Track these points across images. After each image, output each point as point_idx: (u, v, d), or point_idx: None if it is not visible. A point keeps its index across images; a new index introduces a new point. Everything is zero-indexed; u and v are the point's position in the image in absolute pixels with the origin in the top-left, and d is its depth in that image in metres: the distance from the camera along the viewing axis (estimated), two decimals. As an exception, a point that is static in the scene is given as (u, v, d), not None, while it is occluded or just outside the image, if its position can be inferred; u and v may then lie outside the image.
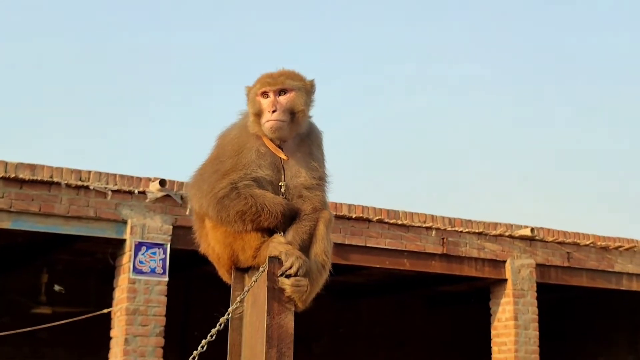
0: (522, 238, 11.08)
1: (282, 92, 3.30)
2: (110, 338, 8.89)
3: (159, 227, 8.84)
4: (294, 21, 26.04)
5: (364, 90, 26.61)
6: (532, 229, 11.01)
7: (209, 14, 25.47)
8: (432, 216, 10.56)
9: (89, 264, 11.32)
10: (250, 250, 3.21)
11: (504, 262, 10.97)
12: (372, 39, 26.18)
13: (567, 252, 11.44)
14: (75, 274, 11.88)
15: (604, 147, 26.75)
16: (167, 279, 8.79)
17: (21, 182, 8.30)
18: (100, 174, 8.67)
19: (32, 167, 8.37)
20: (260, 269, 3.12)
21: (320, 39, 26.23)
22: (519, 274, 10.98)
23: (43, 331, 10.53)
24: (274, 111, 3.25)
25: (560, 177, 26.94)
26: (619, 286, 11.90)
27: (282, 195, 3.27)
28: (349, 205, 10.00)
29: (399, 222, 10.28)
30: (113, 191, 8.66)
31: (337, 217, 9.51)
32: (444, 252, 10.55)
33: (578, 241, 11.44)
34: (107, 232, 8.73)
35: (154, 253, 8.79)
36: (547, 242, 11.26)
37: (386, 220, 10.20)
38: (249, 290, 3.15)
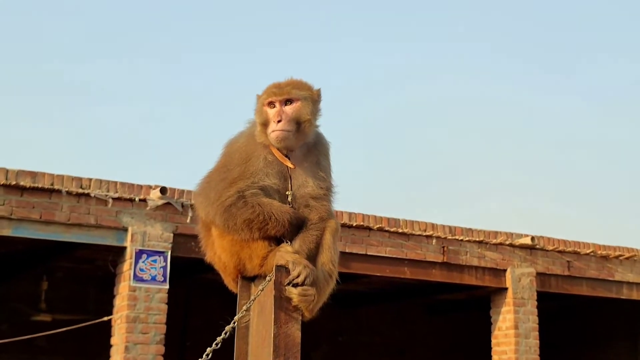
0: (523, 247, 11.08)
1: (288, 101, 3.31)
2: (110, 346, 8.87)
3: (159, 235, 8.83)
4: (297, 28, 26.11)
5: (363, 93, 26.64)
6: (533, 238, 11.00)
7: (210, 32, 25.52)
8: (433, 225, 10.56)
9: (89, 272, 11.31)
10: (257, 259, 3.21)
11: (505, 270, 10.97)
12: (374, 56, 26.25)
13: (568, 261, 11.43)
14: (75, 281, 11.86)
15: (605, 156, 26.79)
16: (167, 286, 8.78)
17: (22, 190, 8.29)
18: (101, 181, 8.67)
19: (33, 175, 8.36)
20: (267, 278, 3.11)
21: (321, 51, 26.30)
22: (520, 283, 10.98)
23: (42, 339, 10.51)
24: (279, 121, 3.26)
25: (561, 185, 26.96)
26: (619, 295, 11.89)
27: (289, 204, 3.27)
28: (350, 214, 10.00)
29: (400, 230, 10.28)
30: (114, 199, 8.65)
31: (338, 226, 9.49)
32: (445, 260, 10.54)
33: (578, 250, 11.44)
34: (107, 239, 8.72)
35: (155, 261, 8.78)
36: (547, 250, 11.26)
37: (387, 228, 10.20)
38: (255, 299, 3.14)
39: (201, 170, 3.41)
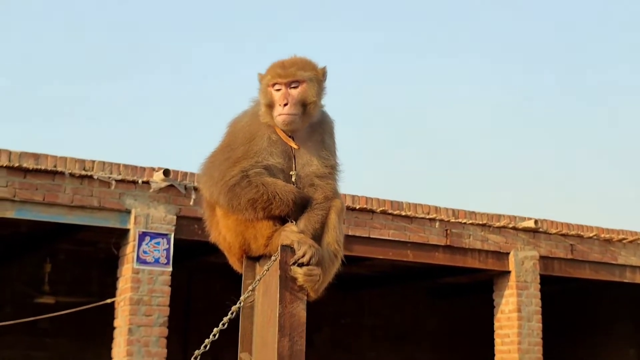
0: (526, 230, 11.06)
1: (293, 83, 3.27)
2: (113, 328, 8.88)
3: (162, 217, 8.83)
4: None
5: (365, 78, 26.59)
6: (536, 221, 10.99)
7: (201, 25, 25.42)
8: (436, 207, 10.54)
9: (93, 254, 11.32)
10: (262, 239, 3.19)
11: (508, 254, 10.96)
12: (378, 36, 26.16)
13: (571, 244, 11.42)
14: (78, 263, 11.87)
15: (607, 138, 26.74)
16: (170, 269, 8.78)
17: (25, 172, 8.27)
18: (104, 163, 8.65)
19: (36, 157, 8.34)
20: (272, 258, 3.10)
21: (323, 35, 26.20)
22: (523, 266, 10.97)
23: (45, 321, 10.53)
24: (285, 104, 3.22)
25: (564, 169, 26.93)
26: (622, 278, 11.89)
27: (294, 184, 3.25)
28: (353, 196, 9.98)
29: (403, 213, 10.26)
30: (117, 181, 8.64)
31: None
32: (448, 243, 10.54)
33: (582, 233, 11.42)
34: (110, 221, 8.71)
35: (158, 243, 8.78)
36: (550, 234, 11.24)
37: (390, 211, 10.18)
38: (260, 279, 3.12)
39: (204, 152, 3.39)
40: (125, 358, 8.49)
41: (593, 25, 25.45)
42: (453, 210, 10.65)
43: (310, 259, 3.05)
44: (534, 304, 10.96)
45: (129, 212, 8.71)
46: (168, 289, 8.75)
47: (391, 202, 10.26)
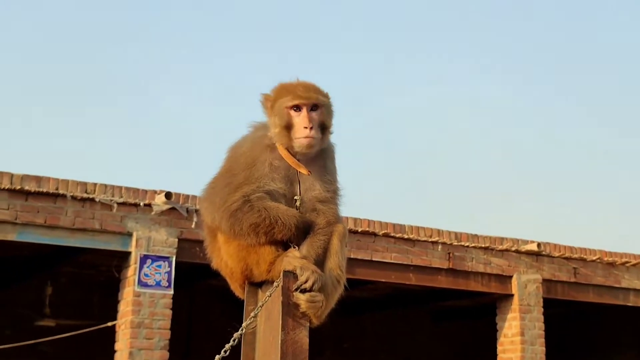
0: (529, 253, 11.02)
1: (313, 107, 3.26)
2: (114, 351, 8.83)
3: (164, 240, 8.81)
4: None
5: (366, 96, 26.63)
6: (539, 244, 10.96)
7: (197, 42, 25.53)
8: (439, 231, 10.52)
9: (94, 277, 11.29)
10: (265, 264, 3.17)
11: (511, 277, 10.91)
12: (373, 69, 26.23)
13: (574, 268, 11.37)
14: (79, 286, 11.83)
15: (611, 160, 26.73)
16: (172, 292, 8.75)
17: (27, 194, 8.27)
18: (105, 186, 8.64)
19: (38, 179, 8.34)
20: (275, 284, 3.07)
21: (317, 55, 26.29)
22: (526, 289, 10.92)
23: (46, 344, 10.48)
24: (310, 127, 3.21)
25: (566, 192, 26.90)
26: (625, 302, 11.83)
27: (297, 209, 3.23)
28: (355, 219, 9.96)
29: (405, 236, 10.24)
30: (118, 203, 8.63)
31: (344, 231, 9.46)
32: (450, 266, 10.50)
33: (585, 256, 11.38)
34: (112, 244, 8.70)
35: (159, 266, 8.75)
36: (553, 257, 11.20)
37: (392, 234, 10.16)
38: (263, 305, 3.10)
39: (206, 175, 3.38)
40: (126, 382, 8.44)
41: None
42: (455, 233, 10.62)
43: (313, 284, 3.03)
44: (537, 328, 10.90)
45: (130, 234, 8.69)
46: (169, 312, 8.72)
47: (393, 225, 10.23)
